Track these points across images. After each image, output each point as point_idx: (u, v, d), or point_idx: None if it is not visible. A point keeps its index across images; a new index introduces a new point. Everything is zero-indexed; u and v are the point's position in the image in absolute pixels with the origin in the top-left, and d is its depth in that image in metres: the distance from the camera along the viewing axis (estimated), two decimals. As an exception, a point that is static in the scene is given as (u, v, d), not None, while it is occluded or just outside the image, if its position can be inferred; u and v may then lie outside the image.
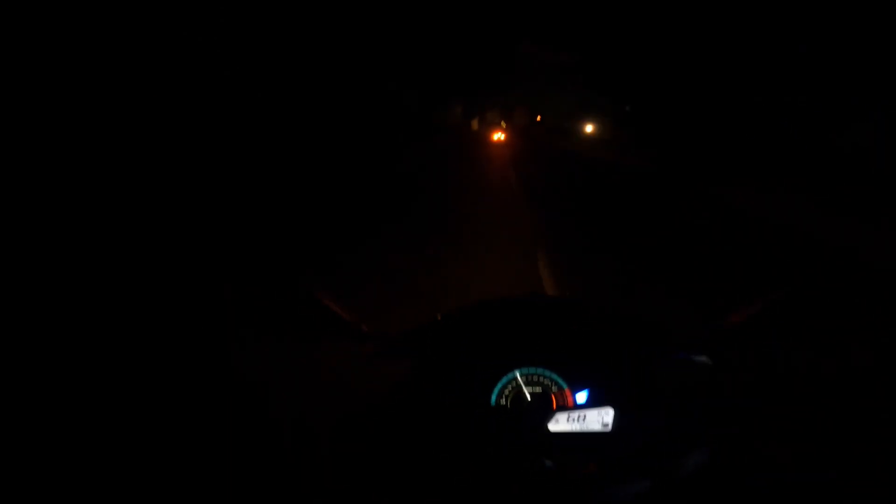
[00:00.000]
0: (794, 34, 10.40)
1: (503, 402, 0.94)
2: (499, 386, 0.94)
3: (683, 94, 15.76)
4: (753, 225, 6.61)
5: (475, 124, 40.62)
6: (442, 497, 0.84)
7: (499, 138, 29.74)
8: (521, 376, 0.94)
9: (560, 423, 0.91)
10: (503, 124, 40.95)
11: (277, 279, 1.03)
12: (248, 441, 0.92)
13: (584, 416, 0.91)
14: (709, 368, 0.92)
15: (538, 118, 46.32)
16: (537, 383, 0.95)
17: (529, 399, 0.93)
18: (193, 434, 0.92)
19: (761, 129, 11.11)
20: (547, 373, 0.95)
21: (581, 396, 0.93)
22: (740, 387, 0.94)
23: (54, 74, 6.22)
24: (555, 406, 0.92)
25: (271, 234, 6.18)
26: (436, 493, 0.85)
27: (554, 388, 0.94)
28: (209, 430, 0.95)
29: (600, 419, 0.90)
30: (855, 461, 0.83)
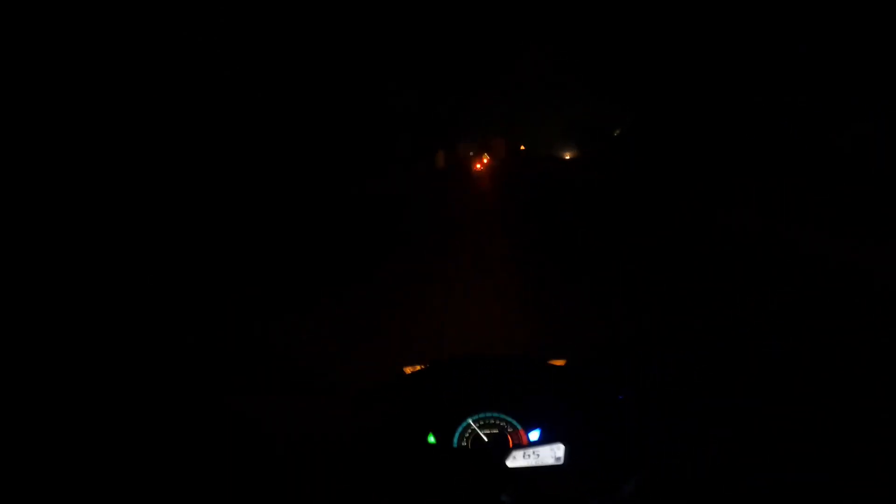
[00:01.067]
0: (792, 33, 10.40)
1: (464, 443, 1.06)
2: (459, 429, 1.06)
3: (682, 98, 15.55)
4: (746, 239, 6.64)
5: (440, 159, 31.00)
6: None
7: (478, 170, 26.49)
8: (478, 420, 1.06)
9: (517, 460, 1.02)
10: (483, 158, 34.50)
11: (246, 331, 1.07)
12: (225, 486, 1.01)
13: (538, 453, 1.02)
14: (637, 405, 1.06)
15: (521, 147, 40.24)
16: (494, 425, 1.06)
17: (486, 440, 1.05)
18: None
19: (761, 129, 11.11)
20: (502, 416, 1.07)
21: (534, 435, 1.04)
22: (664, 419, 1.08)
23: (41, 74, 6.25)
24: (511, 445, 1.04)
25: (246, 281, 6.20)
26: None
27: (509, 429, 1.06)
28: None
29: (553, 454, 1.02)
30: (834, 460, 0.87)
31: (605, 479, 0.96)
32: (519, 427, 1.05)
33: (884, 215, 5.77)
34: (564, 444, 1.02)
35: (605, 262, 5.74)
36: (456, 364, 1.22)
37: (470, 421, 1.06)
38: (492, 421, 1.07)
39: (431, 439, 1.06)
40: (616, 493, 0.93)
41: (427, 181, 20.36)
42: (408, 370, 1.22)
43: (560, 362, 1.22)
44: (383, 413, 1.10)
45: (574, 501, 0.95)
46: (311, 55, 13.26)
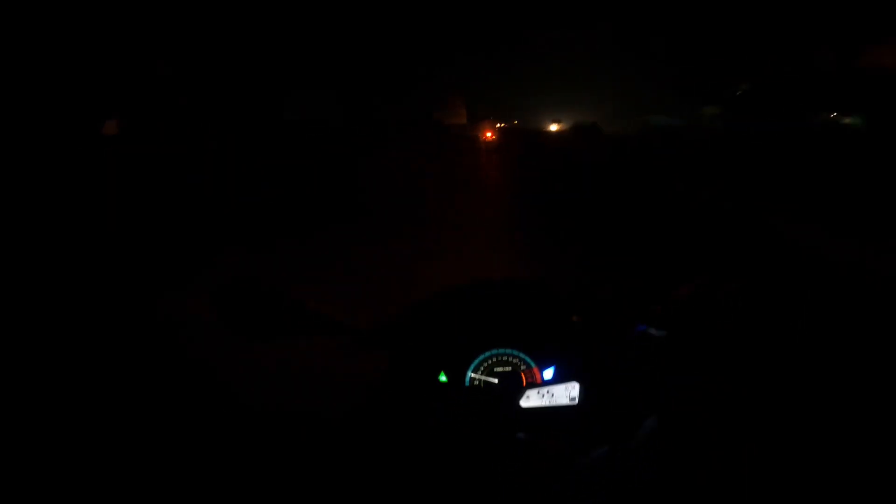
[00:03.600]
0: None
1: (477, 382, 1.01)
2: (471, 367, 1.01)
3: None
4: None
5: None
6: (424, 474, 0.90)
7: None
8: (490, 357, 1.02)
9: (531, 399, 0.98)
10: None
11: (250, 278, 1.07)
12: (228, 439, 1.00)
13: (552, 392, 0.98)
14: (664, 340, 0.98)
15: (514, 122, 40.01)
16: (507, 363, 1.02)
17: (498, 379, 1.01)
18: (172, 436, 0.96)
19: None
20: (515, 353, 1.02)
21: (548, 373, 1.00)
22: (690, 359, 1.01)
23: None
24: (524, 383, 0.99)
25: (240, 231, 6.09)
26: (419, 472, 0.91)
27: (523, 367, 1.01)
28: (188, 431, 0.99)
29: (567, 393, 0.98)
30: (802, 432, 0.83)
31: (621, 419, 0.92)
32: (533, 364, 1.01)
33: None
34: (580, 383, 0.98)
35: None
36: (466, 294, 1.15)
37: (482, 358, 1.02)
38: (505, 358, 1.02)
39: (443, 378, 1.02)
40: (633, 434, 0.88)
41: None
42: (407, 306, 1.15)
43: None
44: (391, 353, 1.05)
45: (589, 443, 0.90)
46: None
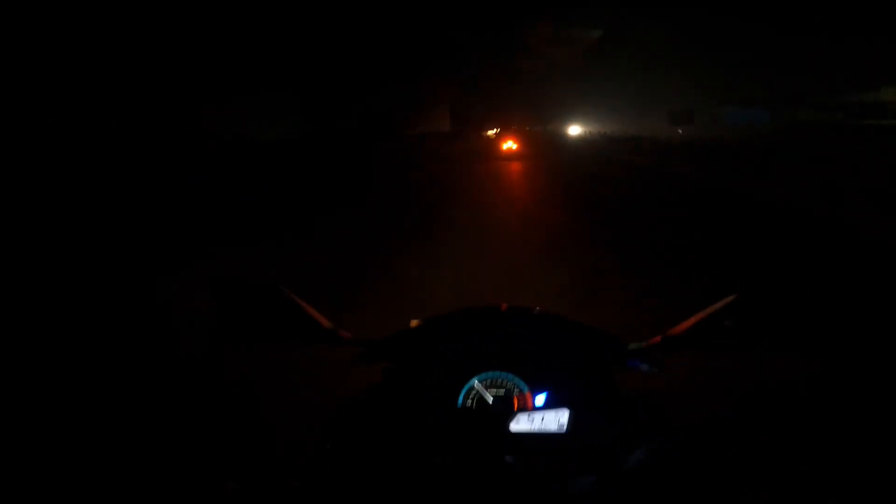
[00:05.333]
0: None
1: (469, 403, 1.02)
2: (465, 389, 1.03)
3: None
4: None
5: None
6: (411, 491, 0.91)
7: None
8: (484, 380, 1.03)
9: (520, 423, 1.00)
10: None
11: (254, 282, 1.06)
12: (226, 441, 0.98)
13: (543, 417, 1.00)
14: (655, 375, 1.01)
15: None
16: (500, 386, 1.03)
17: (492, 401, 1.02)
18: (173, 437, 0.99)
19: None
20: (509, 377, 1.03)
21: (540, 399, 1.02)
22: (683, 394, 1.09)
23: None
24: (516, 407, 1.01)
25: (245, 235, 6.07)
26: (406, 489, 0.92)
27: (515, 391, 1.03)
28: (187, 432, 1.02)
29: (557, 419, 0.99)
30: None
31: (610, 449, 0.94)
32: (526, 389, 1.02)
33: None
34: (570, 410, 1.00)
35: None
36: (463, 318, 1.16)
37: (476, 381, 1.03)
38: (499, 381, 1.03)
39: (436, 397, 1.03)
40: (619, 465, 0.91)
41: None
42: (413, 323, 1.16)
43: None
44: (386, 367, 1.06)
45: (576, 469, 0.93)
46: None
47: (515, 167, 16.88)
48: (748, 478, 1.16)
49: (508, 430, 0.99)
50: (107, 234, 6.52)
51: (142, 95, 10.94)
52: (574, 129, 32.60)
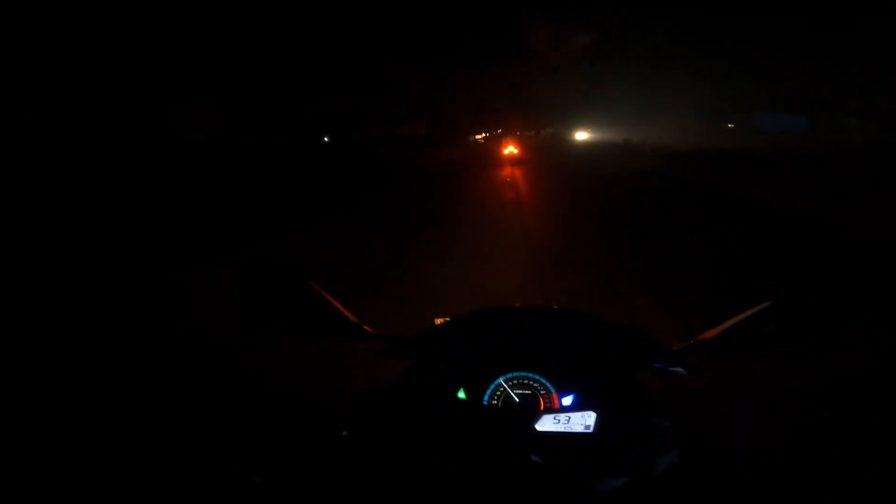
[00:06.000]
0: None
1: (495, 402, 1.02)
2: (491, 387, 1.02)
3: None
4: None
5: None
6: (437, 488, 0.92)
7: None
8: (510, 379, 1.02)
9: (546, 424, 0.99)
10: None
11: (285, 275, 1.06)
12: (250, 427, 1.00)
13: (569, 418, 0.99)
14: (684, 379, 0.99)
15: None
16: (527, 386, 1.03)
17: (518, 400, 1.01)
18: (194, 425, 1.01)
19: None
20: (536, 377, 1.03)
21: (567, 400, 1.01)
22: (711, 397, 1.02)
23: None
24: (542, 407, 1.00)
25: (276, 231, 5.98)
26: (431, 486, 0.92)
27: (542, 391, 1.02)
28: (210, 418, 1.04)
29: (583, 421, 0.99)
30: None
31: (635, 453, 0.93)
32: (553, 390, 1.02)
33: None
34: (596, 413, 0.99)
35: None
36: (490, 317, 1.16)
37: (502, 380, 1.03)
38: (525, 381, 1.03)
39: (462, 395, 1.03)
40: (645, 469, 0.90)
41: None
42: (438, 321, 1.16)
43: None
44: (414, 363, 1.06)
45: (601, 473, 0.92)
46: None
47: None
48: (777, 482, 1.12)
49: (534, 430, 0.99)
50: (107, 230, 6.72)
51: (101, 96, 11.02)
52: (581, 135, 30.88)
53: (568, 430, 0.99)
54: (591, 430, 0.98)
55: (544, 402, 1.01)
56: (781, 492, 1.24)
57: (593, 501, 0.90)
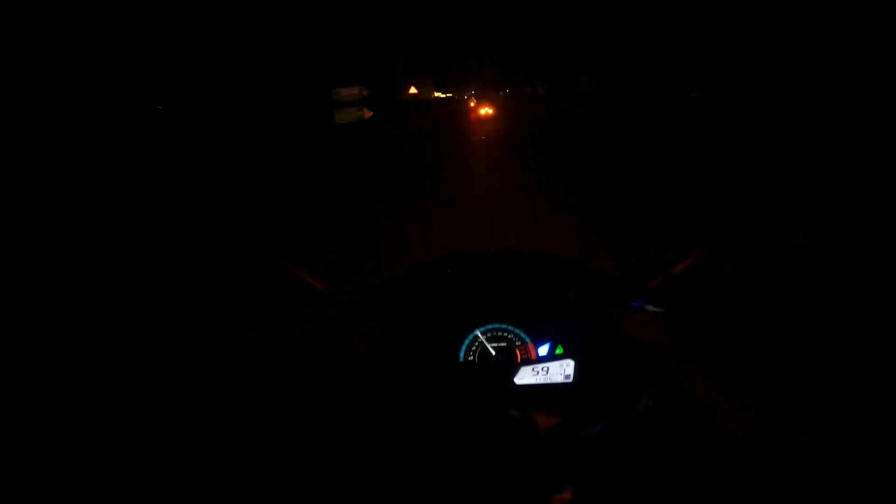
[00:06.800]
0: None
1: (471, 357, 0.98)
2: (466, 342, 0.98)
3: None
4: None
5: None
6: (414, 449, 0.87)
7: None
8: (485, 333, 0.98)
9: (525, 377, 0.97)
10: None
11: (239, 245, 1.00)
12: (222, 408, 1.04)
13: (548, 369, 0.96)
14: (660, 316, 0.98)
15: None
16: (502, 338, 0.99)
17: (494, 354, 0.98)
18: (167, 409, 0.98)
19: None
20: (511, 328, 0.99)
21: (543, 349, 0.98)
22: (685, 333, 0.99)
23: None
24: (519, 360, 0.97)
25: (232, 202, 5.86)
26: (408, 447, 0.87)
27: (518, 343, 0.98)
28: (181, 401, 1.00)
29: (562, 371, 0.96)
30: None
31: (616, 398, 0.90)
32: (528, 341, 0.98)
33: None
34: (574, 360, 0.96)
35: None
36: (461, 264, 1.11)
37: (478, 333, 0.99)
38: (500, 333, 0.99)
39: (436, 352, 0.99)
40: (627, 413, 0.87)
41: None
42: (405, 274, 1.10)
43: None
44: (384, 324, 1.01)
45: (585, 421, 0.88)
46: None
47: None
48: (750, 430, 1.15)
49: (513, 384, 0.96)
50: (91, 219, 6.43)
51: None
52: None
53: (548, 381, 0.97)
54: (570, 379, 0.96)
55: (521, 354, 0.98)
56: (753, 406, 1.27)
57: (575, 450, 0.87)
